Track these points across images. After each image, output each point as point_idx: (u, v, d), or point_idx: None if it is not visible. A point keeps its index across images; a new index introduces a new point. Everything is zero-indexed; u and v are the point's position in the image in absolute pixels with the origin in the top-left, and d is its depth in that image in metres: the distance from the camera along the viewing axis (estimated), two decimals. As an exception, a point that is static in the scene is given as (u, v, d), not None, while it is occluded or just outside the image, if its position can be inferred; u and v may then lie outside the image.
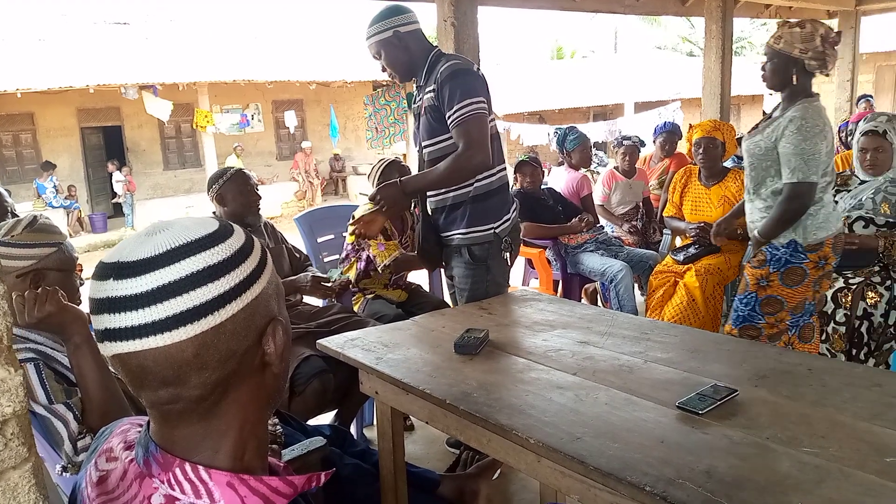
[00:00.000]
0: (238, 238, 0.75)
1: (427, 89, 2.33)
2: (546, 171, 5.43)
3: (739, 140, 3.46)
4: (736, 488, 1.08)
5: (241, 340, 0.73)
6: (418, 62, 2.36)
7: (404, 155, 15.47)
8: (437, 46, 2.47)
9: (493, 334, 1.88)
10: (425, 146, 2.41)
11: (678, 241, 3.90)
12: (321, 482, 0.82)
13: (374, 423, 2.08)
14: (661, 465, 1.16)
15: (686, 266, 3.39)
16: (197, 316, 0.68)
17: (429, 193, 2.45)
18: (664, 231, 4.18)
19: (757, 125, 2.56)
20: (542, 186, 4.15)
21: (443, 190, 2.39)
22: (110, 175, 12.79)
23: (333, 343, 1.89)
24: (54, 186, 11.96)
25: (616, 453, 1.21)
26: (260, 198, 2.81)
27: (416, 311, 2.91)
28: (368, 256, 3.03)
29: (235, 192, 2.72)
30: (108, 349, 0.69)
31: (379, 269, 2.96)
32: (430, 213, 2.51)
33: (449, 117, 2.25)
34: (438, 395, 1.50)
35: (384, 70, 2.44)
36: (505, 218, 2.42)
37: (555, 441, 1.27)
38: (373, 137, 14.19)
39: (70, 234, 11.82)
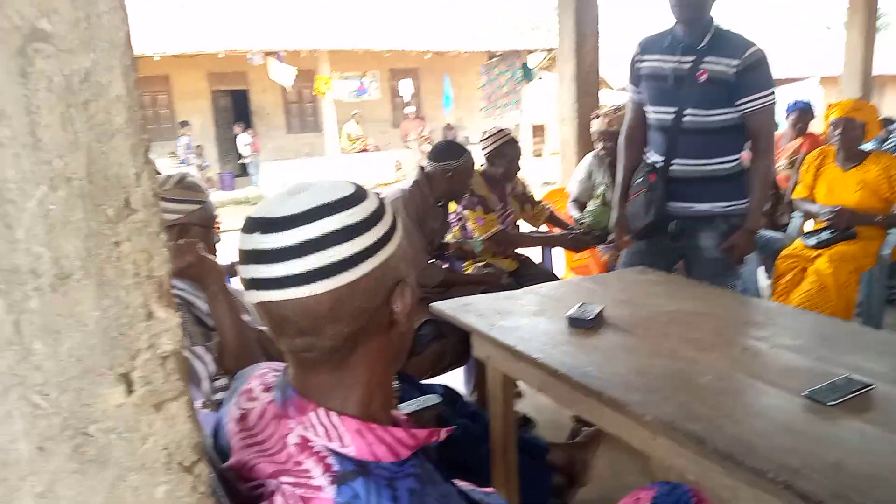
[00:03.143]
0: (372, 202, 0.78)
1: (717, 59, 2.26)
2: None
3: (884, 122, 3.19)
4: (868, 485, 1.02)
5: (372, 298, 0.76)
6: (706, 20, 2.30)
7: (516, 126, 15.36)
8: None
9: (608, 310, 1.85)
10: (692, 114, 2.32)
11: (808, 226, 3.66)
12: (441, 438, 0.86)
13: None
14: (785, 453, 1.11)
15: (817, 251, 3.19)
16: (334, 272, 0.73)
17: (683, 162, 2.38)
18: (793, 213, 3.93)
19: None
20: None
21: (705, 162, 2.37)
22: (236, 136, 13.50)
23: (447, 307, 1.93)
24: (188, 145, 12.78)
25: (737, 436, 1.17)
26: None
27: (526, 281, 2.92)
28: (466, 227, 3.05)
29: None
30: (254, 297, 0.75)
31: (476, 243, 2.95)
32: (661, 182, 2.41)
33: (748, 101, 2.26)
34: (552, 364, 1.50)
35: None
36: None
37: (671, 419, 1.24)
38: (486, 107, 14.24)
39: (200, 191, 12.63)
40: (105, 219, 0.61)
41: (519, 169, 3.14)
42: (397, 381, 1.92)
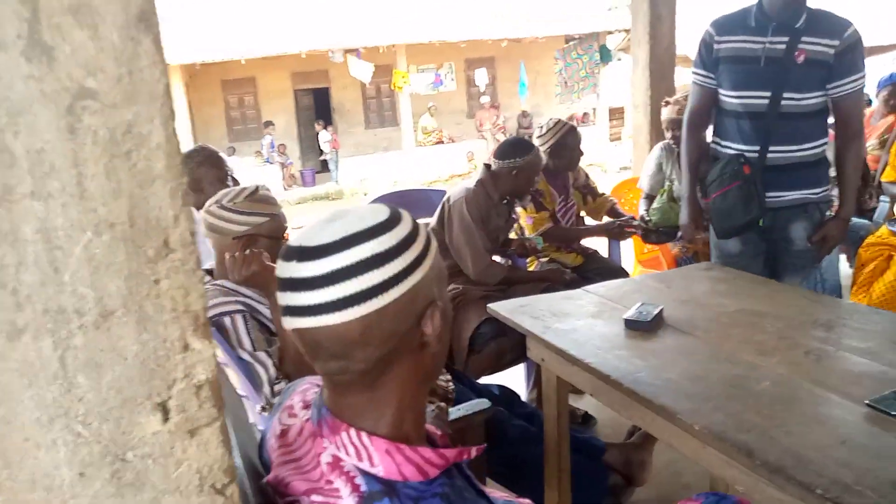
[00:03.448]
0: (405, 227, 0.81)
1: (815, 40, 2.18)
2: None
3: None
4: (926, 504, 0.98)
5: (401, 322, 0.79)
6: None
7: (594, 109, 15.06)
8: None
9: (668, 310, 1.82)
10: (789, 97, 2.22)
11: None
12: (472, 456, 0.89)
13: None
14: (838, 467, 1.08)
15: (906, 240, 2.99)
16: (363, 299, 0.76)
17: (779, 149, 2.28)
18: (881, 198, 3.70)
19: None
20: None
21: (800, 147, 2.28)
22: (318, 134, 13.89)
23: (503, 308, 1.94)
24: (272, 144, 13.26)
25: (789, 449, 1.14)
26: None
27: (592, 276, 2.89)
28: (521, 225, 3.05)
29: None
30: (288, 323, 0.80)
31: (538, 239, 2.92)
32: (758, 174, 2.29)
33: (844, 84, 2.20)
34: (604, 370, 1.50)
35: None
36: None
37: (722, 429, 1.22)
38: (562, 92, 14.04)
39: (284, 188, 13.11)
40: (145, 259, 0.67)
41: (580, 157, 3.11)
42: (452, 383, 1.97)
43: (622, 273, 3.04)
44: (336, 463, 0.81)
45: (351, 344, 0.77)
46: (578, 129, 3.14)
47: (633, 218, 3.22)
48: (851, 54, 2.18)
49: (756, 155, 2.29)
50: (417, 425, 0.87)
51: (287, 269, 0.79)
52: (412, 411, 0.85)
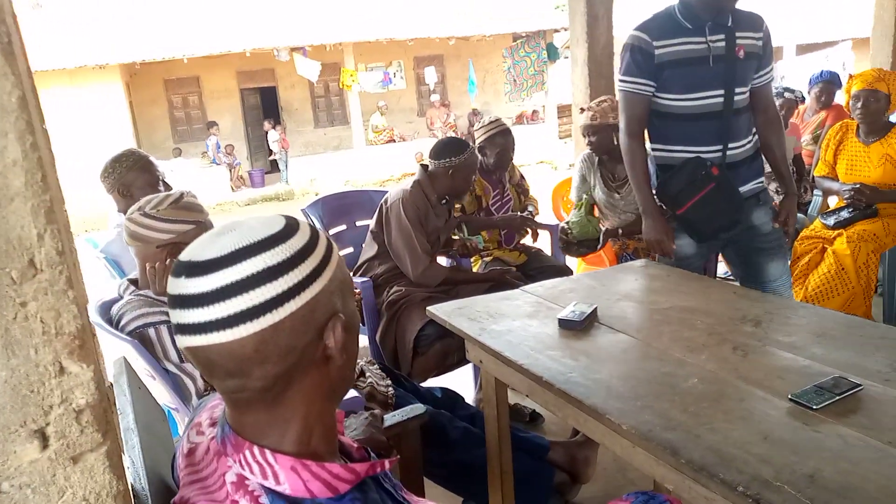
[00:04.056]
0: (301, 238, 0.77)
1: (746, 34, 2.24)
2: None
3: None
4: (840, 497, 0.99)
5: (300, 336, 0.76)
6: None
7: (543, 106, 15.19)
8: None
9: (603, 308, 1.82)
10: (739, 93, 2.27)
11: (831, 204, 3.55)
12: (385, 468, 0.86)
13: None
14: (759, 463, 1.09)
15: (836, 231, 3.08)
16: (256, 314, 0.72)
17: (735, 145, 2.30)
18: (815, 192, 3.81)
19: None
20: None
21: (746, 141, 2.35)
22: (266, 133, 13.66)
23: (441, 311, 1.92)
24: (217, 144, 12.99)
25: (712, 446, 1.15)
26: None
27: (535, 274, 2.91)
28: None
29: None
30: (180, 342, 0.75)
31: (479, 238, 2.94)
32: (726, 172, 2.28)
33: (767, 72, 2.35)
34: (536, 371, 1.49)
35: None
36: None
37: (648, 429, 1.22)
38: (511, 90, 14.13)
39: (232, 189, 12.86)
40: (9, 281, 0.63)
41: (510, 158, 3.14)
42: (392, 388, 1.94)
43: (566, 271, 3.06)
44: (241, 482, 0.77)
45: (246, 361, 0.74)
46: (513, 130, 3.17)
47: (532, 213, 3.25)
48: (769, 44, 2.33)
49: (719, 154, 2.28)
50: (327, 440, 0.84)
51: (176, 286, 0.74)
52: (320, 425, 0.82)
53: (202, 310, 0.72)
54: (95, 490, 0.67)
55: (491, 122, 3.10)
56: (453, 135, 14.75)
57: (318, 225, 3.17)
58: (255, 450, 0.78)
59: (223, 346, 0.73)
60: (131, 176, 2.41)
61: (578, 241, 2.92)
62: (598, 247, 2.92)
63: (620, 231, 3.07)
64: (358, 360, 1.66)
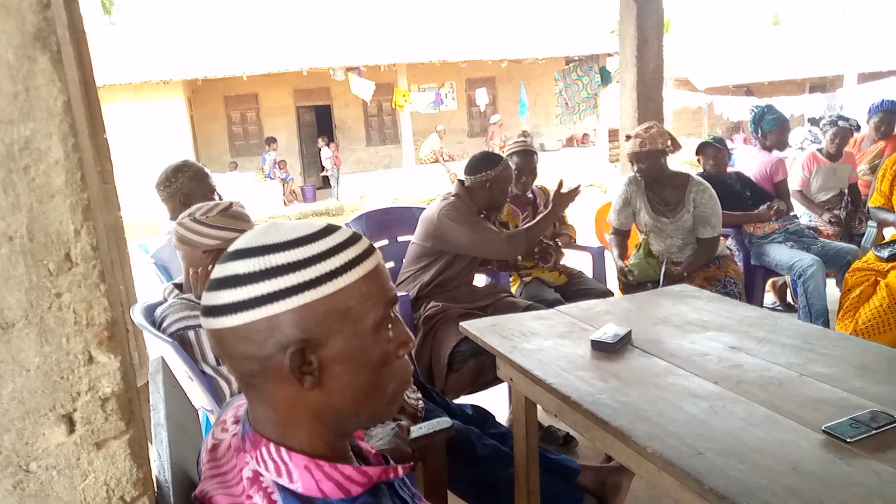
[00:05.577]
0: (284, 256, 0.77)
1: None
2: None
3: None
4: (869, 534, 0.96)
5: (256, 346, 0.76)
6: None
7: (594, 130, 15.11)
8: None
9: (638, 332, 1.80)
10: None
11: (886, 235, 3.42)
12: (399, 474, 0.87)
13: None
14: (787, 494, 1.06)
15: (891, 264, 2.97)
16: (227, 311, 0.76)
17: None
18: (869, 223, 3.68)
19: None
20: (730, 170, 3.85)
21: None
22: (320, 150, 13.95)
23: (474, 327, 1.93)
24: (274, 161, 13.32)
25: (739, 475, 1.12)
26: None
27: (575, 296, 2.88)
28: None
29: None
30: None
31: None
32: None
33: None
34: (564, 391, 1.49)
35: None
36: None
37: (674, 454, 1.20)
38: (562, 113, 14.10)
39: (285, 203, 13.14)
40: (46, 273, 0.67)
41: (529, 179, 3.16)
42: (422, 401, 1.95)
43: (607, 294, 3.02)
44: (256, 478, 0.79)
45: (220, 351, 0.79)
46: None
47: (558, 244, 3.18)
48: None
49: None
50: (339, 442, 0.85)
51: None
52: (330, 430, 0.83)
53: (213, 294, 0.78)
54: (116, 476, 0.70)
55: (515, 142, 3.12)
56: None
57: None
58: (272, 447, 0.80)
59: (213, 333, 0.78)
60: (192, 186, 2.50)
61: (638, 283, 2.90)
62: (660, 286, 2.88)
63: (686, 274, 3.00)
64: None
